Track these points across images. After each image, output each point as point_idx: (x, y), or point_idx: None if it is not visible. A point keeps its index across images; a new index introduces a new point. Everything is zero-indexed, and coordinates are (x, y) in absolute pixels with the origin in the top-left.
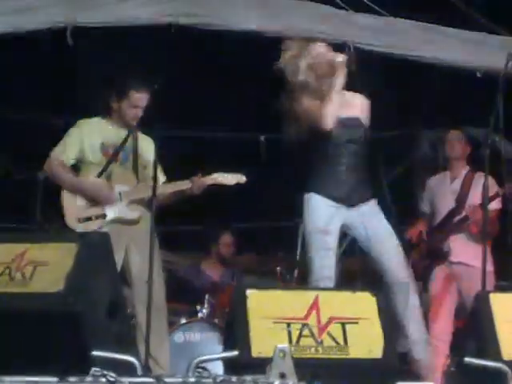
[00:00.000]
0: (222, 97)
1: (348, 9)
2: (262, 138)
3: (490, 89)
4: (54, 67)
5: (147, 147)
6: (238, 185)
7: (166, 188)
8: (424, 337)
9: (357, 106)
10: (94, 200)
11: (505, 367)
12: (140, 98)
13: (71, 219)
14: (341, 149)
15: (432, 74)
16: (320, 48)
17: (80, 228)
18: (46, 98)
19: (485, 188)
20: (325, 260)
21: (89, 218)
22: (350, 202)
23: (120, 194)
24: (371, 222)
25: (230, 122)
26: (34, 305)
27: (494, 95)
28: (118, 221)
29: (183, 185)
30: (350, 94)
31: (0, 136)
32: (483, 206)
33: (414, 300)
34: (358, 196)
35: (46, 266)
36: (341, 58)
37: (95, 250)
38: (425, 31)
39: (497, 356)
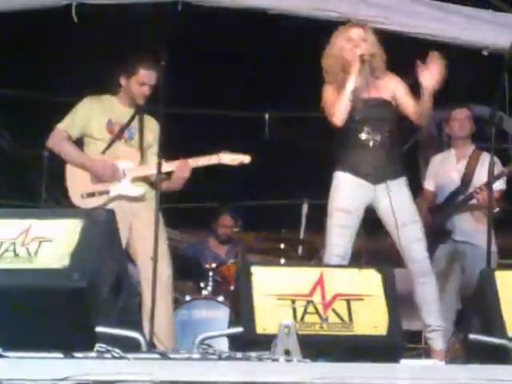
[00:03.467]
0: (227, 75)
1: None
2: (267, 115)
3: (495, 66)
4: (58, 45)
5: (152, 128)
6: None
7: (167, 165)
8: (442, 328)
9: (387, 89)
10: (97, 176)
11: (509, 344)
12: (148, 76)
13: (75, 194)
14: (365, 127)
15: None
16: (353, 34)
17: (83, 203)
18: (48, 74)
19: (490, 166)
20: (339, 238)
21: (92, 194)
22: (376, 178)
23: (124, 170)
24: (396, 199)
25: (235, 99)
26: (39, 281)
27: (500, 73)
28: (122, 198)
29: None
30: (386, 79)
31: (4, 113)
32: (488, 184)
33: (433, 290)
34: (385, 172)
35: (50, 242)
36: (360, 56)
37: (100, 227)
38: (432, 9)
39: (501, 333)
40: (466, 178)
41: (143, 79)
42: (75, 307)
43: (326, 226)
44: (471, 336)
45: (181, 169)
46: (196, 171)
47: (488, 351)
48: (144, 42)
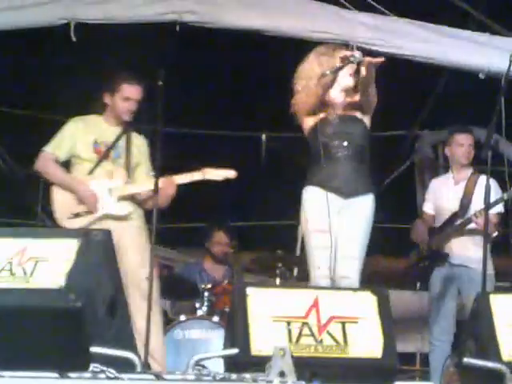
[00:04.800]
0: (224, 95)
1: (351, 8)
2: (264, 136)
3: (492, 90)
4: (52, 64)
5: (139, 145)
6: (227, 181)
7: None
8: None
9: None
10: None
11: (504, 368)
12: (132, 91)
13: (61, 216)
14: (336, 140)
15: (434, 74)
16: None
17: (70, 224)
18: (42, 94)
19: (486, 189)
20: (322, 259)
21: (78, 215)
22: (345, 192)
23: (110, 190)
24: (358, 215)
25: (231, 120)
26: (35, 301)
27: (497, 96)
28: (107, 217)
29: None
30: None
31: (0, 131)
32: (485, 206)
33: None
34: (354, 187)
35: (47, 262)
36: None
37: (97, 247)
38: (429, 32)
39: (496, 357)
40: (464, 202)
41: (127, 94)
42: (71, 327)
43: (306, 247)
44: (466, 360)
45: (166, 186)
46: (194, 190)
47: (483, 375)
48: (142, 62)
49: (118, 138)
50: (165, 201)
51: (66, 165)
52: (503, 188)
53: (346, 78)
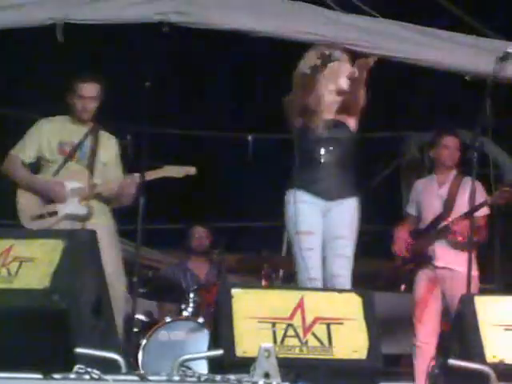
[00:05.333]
0: (211, 96)
1: (337, 9)
2: (250, 137)
3: (478, 92)
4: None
5: (109, 145)
6: (188, 177)
7: (112, 184)
8: None
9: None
10: (46, 198)
11: (488, 369)
12: (86, 88)
13: (25, 217)
14: (321, 145)
15: (420, 76)
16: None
17: (33, 225)
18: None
19: (472, 192)
20: (309, 261)
21: (42, 216)
22: (328, 196)
23: (72, 190)
24: (341, 215)
25: (218, 121)
26: (20, 301)
27: (483, 98)
28: (70, 217)
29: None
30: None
31: None
32: (470, 210)
33: None
34: (337, 191)
35: (31, 263)
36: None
37: (81, 248)
38: (415, 33)
39: (481, 358)
40: (448, 204)
41: (81, 92)
42: (55, 328)
43: (293, 250)
44: (451, 361)
45: (126, 185)
46: (178, 191)
47: (467, 377)
48: (129, 62)
49: (84, 139)
50: (128, 199)
51: (36, 168)
52: (488, 191)
53: (342, 80)
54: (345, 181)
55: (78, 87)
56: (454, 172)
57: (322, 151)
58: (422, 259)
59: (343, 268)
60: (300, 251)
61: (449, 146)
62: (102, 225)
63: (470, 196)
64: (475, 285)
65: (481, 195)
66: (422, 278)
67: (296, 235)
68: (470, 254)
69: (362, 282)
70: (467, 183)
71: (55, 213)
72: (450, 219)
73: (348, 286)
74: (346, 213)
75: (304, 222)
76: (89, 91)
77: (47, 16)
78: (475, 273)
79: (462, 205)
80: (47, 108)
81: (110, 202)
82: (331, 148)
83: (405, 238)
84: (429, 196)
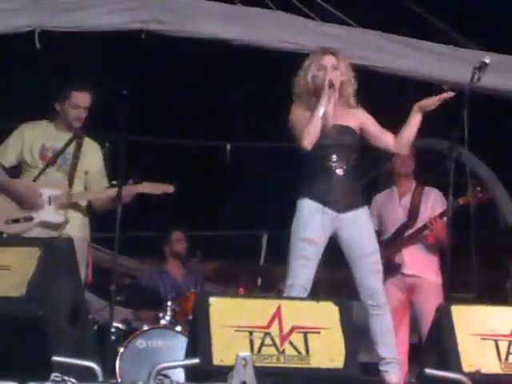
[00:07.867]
0: (189, 104)
1: (318, 19)
2: (228, 146)
3: (455, 101)
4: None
5: (92, 153)
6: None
7: (91, 195)
8: (396, 360)
9: (356, 118)
10: (23, 203)
11: (465, 379)
12: (81, 98)
13: (0, 220)
14: (333, 154)
15: (398, 85)
16: (326, 62)
17: (7, 229)
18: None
19: (449, 200)
20: (301, 269)
21: (17, 220)
22: (342, 207)
23: (50, 197)
24: (359, 229)
25: (196, 129)
26: None
27: (459, 108)
28: (44, 224)
29: (110, 192)
30: (355, 109)
31: None
32: (447, 219)
33: (388, 322)
34: (351, 201)
35: (8, 270)
36: (329, 80)
37: (58, 255)
38: (393, 43)
39: (457, 368)
40: (412, 214)
41: (76, 101)
42: (31, 336)
43: (289, 256)
44: (427, 371)
45: (126, 195)
46: (156, 200)
47: None
48: (106, 69)
49: (66, 145)
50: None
51: (16, 173)
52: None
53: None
54: (356, 190)
55: (73, 95)
56: (413, 183)
57: (334, 160)
58: (390, 268)
59: (379, 283)
60: (296, 258)
61: (400, 156)
62: (79, 236)
63: (433, 204)
64: (439, 294)
65: (443, 204)
66: (391, 287)
67: (297, 241)
68: (447, 258)
69: (339, 292)
70: (428, 192)
71: (31, 218)
72: (415, 226)
73: (384, 298)
74: (364, 226)
75: (309, 229)
76: (84, 101)
77: (25, 23)
78: (439, 281)
79: (426, 213)
80: (21, 114)
81: (96, 208)
82: (342, 156)
83: None
84: (391, 207)
